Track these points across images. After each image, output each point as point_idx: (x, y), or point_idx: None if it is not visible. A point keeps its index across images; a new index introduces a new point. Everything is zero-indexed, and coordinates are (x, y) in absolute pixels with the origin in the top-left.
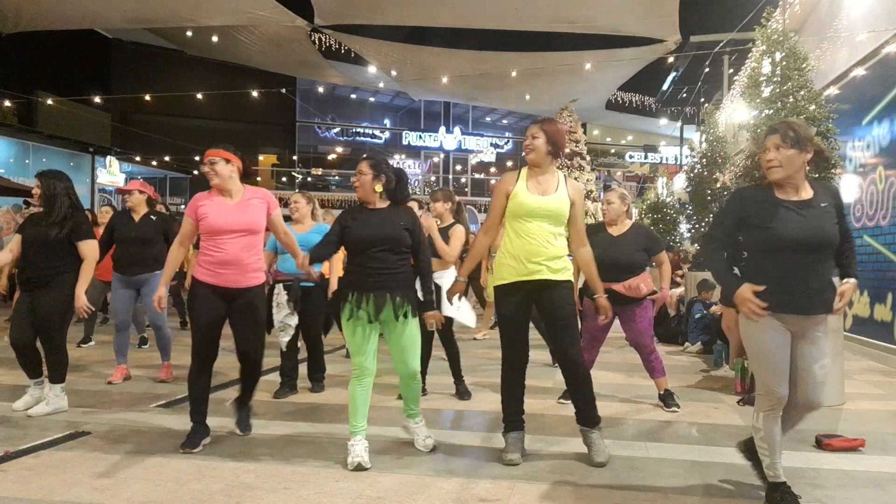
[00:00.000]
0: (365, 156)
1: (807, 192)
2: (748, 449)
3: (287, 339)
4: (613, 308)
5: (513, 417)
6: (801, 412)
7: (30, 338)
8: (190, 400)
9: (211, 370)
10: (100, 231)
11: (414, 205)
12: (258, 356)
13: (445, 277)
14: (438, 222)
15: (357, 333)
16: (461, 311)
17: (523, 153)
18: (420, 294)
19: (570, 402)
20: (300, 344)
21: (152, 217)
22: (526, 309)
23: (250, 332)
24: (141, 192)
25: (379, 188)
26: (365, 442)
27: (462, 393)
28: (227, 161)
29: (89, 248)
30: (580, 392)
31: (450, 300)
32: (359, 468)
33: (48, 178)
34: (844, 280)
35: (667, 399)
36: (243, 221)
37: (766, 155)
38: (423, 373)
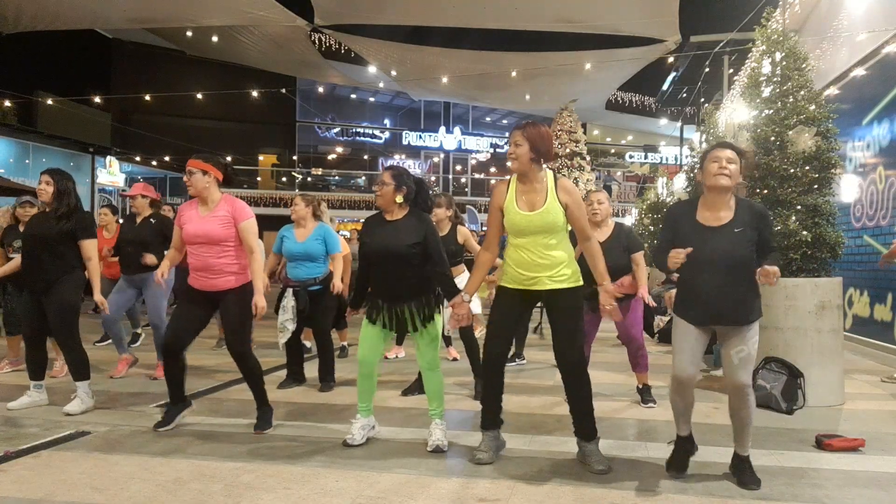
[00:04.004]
0: (388, 166)
1: (727, 215)
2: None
3: (284, 340)
4: None
5: (487, 414)
6: (730, 392)
7: (43, 334)
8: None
9: (181, 357)
10: (101, 232)
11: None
12: (237, 351)
13: (461, 281)
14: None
15: (369, 332)
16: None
17: (507, 162)
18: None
19: None
20: (310, 344)
21: (151, 220)
22: (518, 310)
23: (228, 330)
24: (143, 196)
25: (399, 199)
26: (363, 421)
27: (478, 392)
28: (205, 172)
29: (92, 247)
30: (577, 402)
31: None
32: (345, 444)
33: (60, 174)
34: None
35: (644, 394)
36: (205, 232)
37: (728, 166)
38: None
